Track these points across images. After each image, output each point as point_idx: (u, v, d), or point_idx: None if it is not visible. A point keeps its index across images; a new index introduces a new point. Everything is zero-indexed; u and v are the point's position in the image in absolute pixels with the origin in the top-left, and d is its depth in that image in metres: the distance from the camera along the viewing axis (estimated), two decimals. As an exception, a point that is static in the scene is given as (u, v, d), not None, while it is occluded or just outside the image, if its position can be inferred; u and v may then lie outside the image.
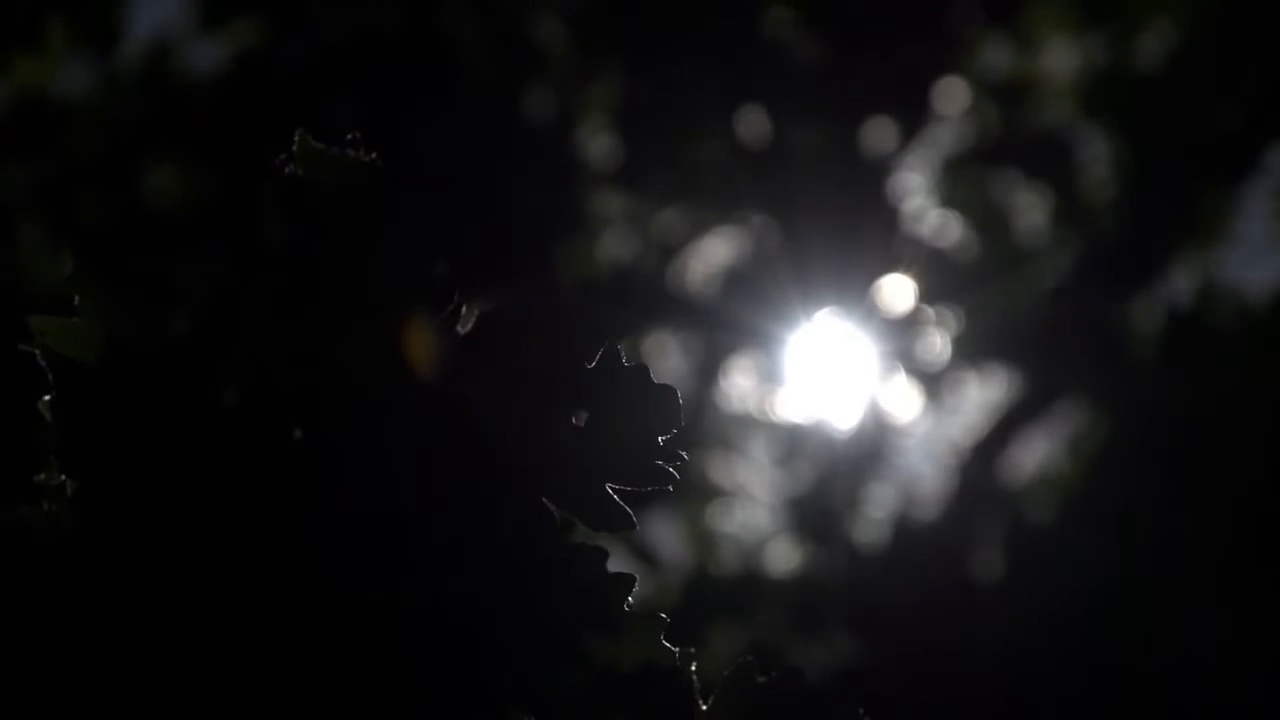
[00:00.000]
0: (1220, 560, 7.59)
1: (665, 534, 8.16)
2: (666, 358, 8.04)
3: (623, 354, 1.13)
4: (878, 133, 7.89)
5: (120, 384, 1.07)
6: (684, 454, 1.14)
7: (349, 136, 1.10)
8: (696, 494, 8.21)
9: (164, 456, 1.08)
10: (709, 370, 8.09)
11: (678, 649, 1.10)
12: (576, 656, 1.10)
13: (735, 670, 1.11)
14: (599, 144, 7.63)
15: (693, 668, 1.09)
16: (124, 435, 1.07)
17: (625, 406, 1.12)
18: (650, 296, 7.87)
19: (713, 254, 7.93)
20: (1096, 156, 8.05)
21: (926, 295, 7.98)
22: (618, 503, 1.12)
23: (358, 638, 1.09)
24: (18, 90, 6.60)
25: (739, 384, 8.19)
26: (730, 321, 7.83)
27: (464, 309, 1.12)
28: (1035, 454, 8.26)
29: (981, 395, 8.14)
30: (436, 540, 1.10)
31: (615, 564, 1.13)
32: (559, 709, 1.09)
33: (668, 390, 1.14)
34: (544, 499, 1.11)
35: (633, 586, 1.11)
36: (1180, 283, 8.12)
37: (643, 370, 1.13)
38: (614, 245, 7.87)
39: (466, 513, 1.10)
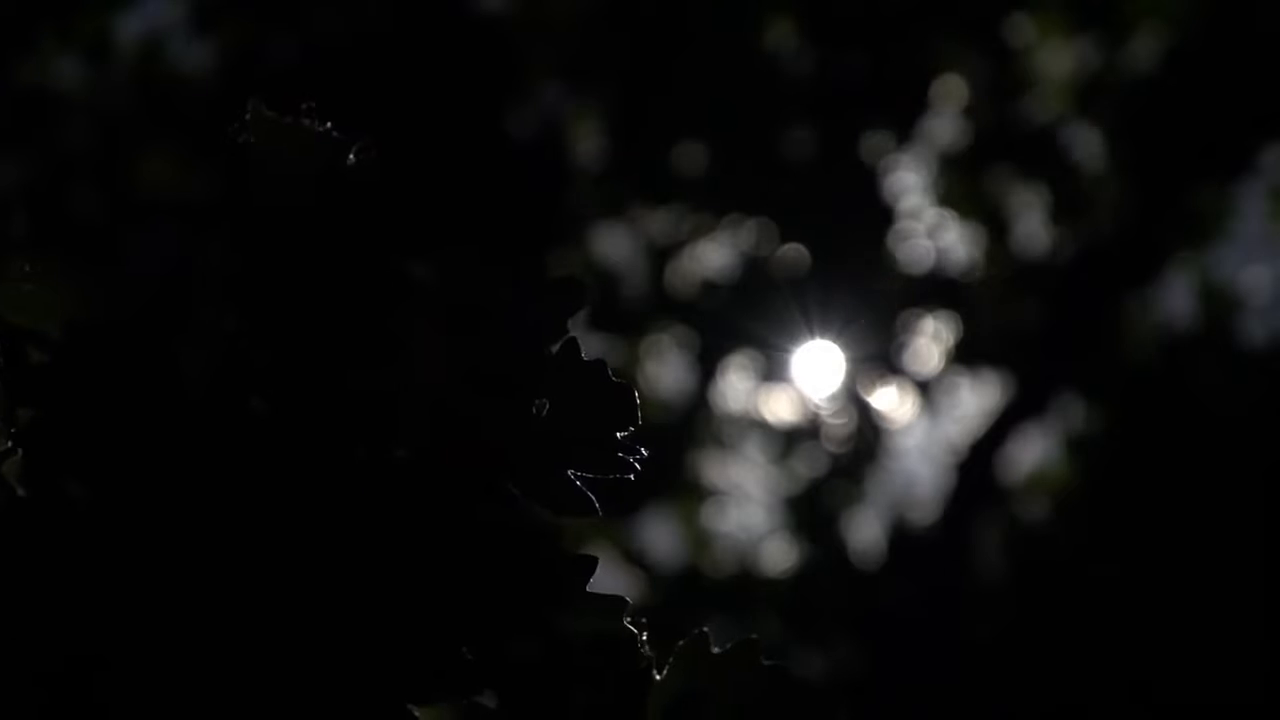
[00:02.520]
0: (1219, 559, 7.59)
1: (661, 533, 8.16)
2: (664, 358, 8.04)
3: (581, 349, 1.14)
4: (874, 135, 7.88)
5: (75, 353, 1.07)
6: (642, 450, 1.14)
7: (303, 106, 1.10)
8: (692, 493, 8.20)
9: (118, 426, 1.08)
10: (706, 370, 8.08)
11: (630, 618, 1.10)
12: (536, 628, 1.10)
13: (690, 641, 1.11)
14: (593, 146, 7.63)
15: (645, 637, 1.10)
16: (78, 404, 1.07)
17: (582, 400, 1.13)
18: (647, 298, 7.87)
19: (709, 257, 7.92)
20: (1093, 156, 8.05)
21: (923, 295, 7.97)
22: (578, 488, 1.14)
23: (319, 611, 1.09)
24: (13, 88, 6.62)
25: (736, 384, 8.18)
26: (727, 324, 7.82)
27: (431, 293, 1.12)
28: (1033, 453, 8.26)
29: (978, 395, 8.13)
30: (398, 517, 1.10)
31: (608, 566, 1.13)
32: (518, 678, 1.09)
33: (623, 388, 1.14)
34: (506, 482, 1.12)
35: (594, 567, 1.12)
36: (1176, 282, 8.12)
37: (599, 366, 1.14)
38: (611, 246, 7.88)
39: (428, 491, 1.11)
